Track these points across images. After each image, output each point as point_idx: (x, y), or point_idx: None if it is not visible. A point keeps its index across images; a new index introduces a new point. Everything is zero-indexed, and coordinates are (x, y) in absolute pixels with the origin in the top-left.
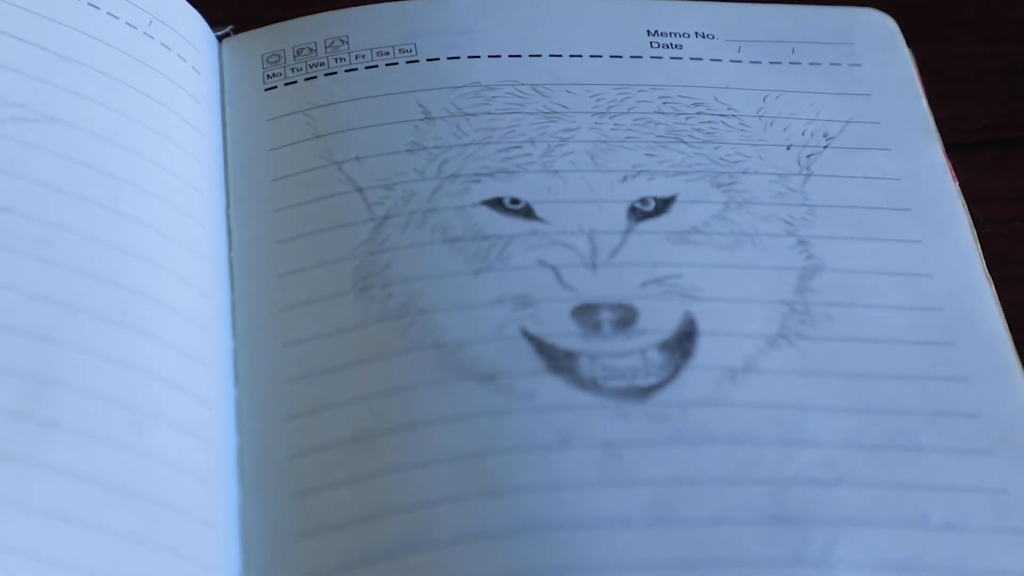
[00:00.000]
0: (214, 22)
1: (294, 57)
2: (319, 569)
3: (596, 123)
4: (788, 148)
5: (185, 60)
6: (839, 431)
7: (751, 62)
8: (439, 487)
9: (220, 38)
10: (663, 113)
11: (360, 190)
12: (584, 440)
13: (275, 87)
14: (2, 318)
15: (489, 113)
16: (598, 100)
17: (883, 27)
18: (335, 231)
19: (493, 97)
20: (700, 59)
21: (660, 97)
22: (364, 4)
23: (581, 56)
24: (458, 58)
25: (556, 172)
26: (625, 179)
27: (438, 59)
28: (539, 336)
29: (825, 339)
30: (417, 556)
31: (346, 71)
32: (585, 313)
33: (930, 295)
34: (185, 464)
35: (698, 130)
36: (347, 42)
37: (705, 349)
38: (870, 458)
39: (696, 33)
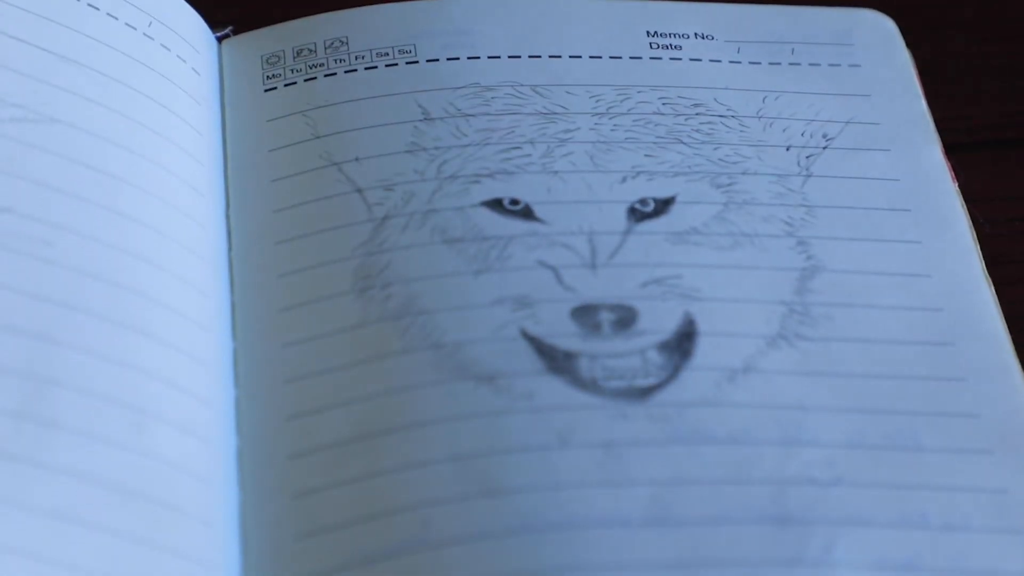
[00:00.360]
0: (214, 23)
1: (294, 58)
2: (319, 569)
3: (596, 124)
4: (788, 149)
5: (185, 61)
6: (839, 431)
7: (750, 63)
8: (439, 487)
9: (220, 39)
10: (662, 114)
11: (360, 191)
12: (584, 440)
13: (275, 88)
14: (2, 318)
15: (488, 114)
16: (598, 101)
17: (882, 28)
18: (335, 232)
19: (492, 98)
20: (699, 60)
21: (660, 98)
22: (364, 5)
23: (580, 57)
24: (457, 59)
25: (556, 173)
26: (624, 180)
27: (437, 60)
28: (539, 336)
29: (825, 339)
30: (417, 556)
31: (346, 72)
32: (585, 314)
33: (930, 295)
34: (185, 464)
35: (697, 131)
36: (347, 43)
37: (705, 349)
38: (870, 458)
39: (695, 34)
